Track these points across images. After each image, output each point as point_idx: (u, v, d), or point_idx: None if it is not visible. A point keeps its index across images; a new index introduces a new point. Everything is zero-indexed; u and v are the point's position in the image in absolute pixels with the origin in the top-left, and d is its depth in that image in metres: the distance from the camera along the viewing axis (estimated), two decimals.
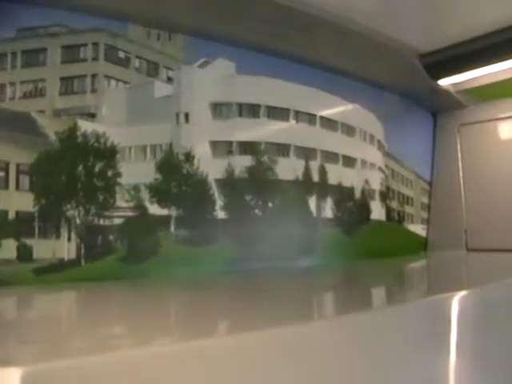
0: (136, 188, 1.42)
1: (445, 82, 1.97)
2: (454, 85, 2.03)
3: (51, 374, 0.46)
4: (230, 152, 1.61)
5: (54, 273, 1.28)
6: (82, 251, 1.32)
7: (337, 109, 1.94)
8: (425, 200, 2.29)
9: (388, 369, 0.72)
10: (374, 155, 2.08)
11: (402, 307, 0.93)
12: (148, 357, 0.52)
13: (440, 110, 2.25)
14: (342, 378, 0.66)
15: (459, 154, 2.17)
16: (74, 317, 0.93)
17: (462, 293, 0.97)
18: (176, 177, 1.49)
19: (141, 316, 0.78)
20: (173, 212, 1.47)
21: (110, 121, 1.42)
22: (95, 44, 1.43)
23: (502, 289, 1.10)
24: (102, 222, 1.37)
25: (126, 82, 1.49)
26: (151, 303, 0.95)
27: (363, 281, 1.45)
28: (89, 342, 0.63)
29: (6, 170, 1.27)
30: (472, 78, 1.92)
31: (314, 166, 1.82)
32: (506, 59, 1.73)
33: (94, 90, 1.42)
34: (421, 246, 2.22)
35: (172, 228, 1.48)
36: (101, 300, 1.06)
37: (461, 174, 2.16)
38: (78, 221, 1.33)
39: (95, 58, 1.44)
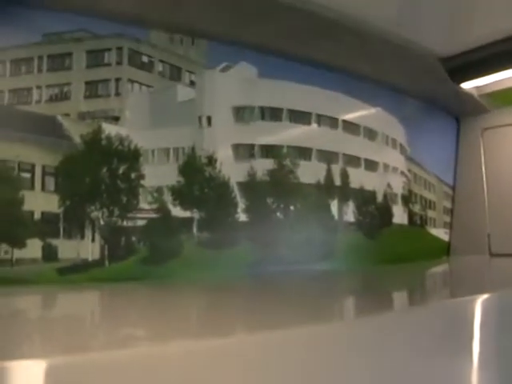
0: (159, 190, 1.43)
1: (468, 86, 1.96)
2: (477, 88, 2.02)
3: (73, 367, 0.47)
4: (252, 155, 1.62)
5: (77, 273, 1.30)
6: (106, 252, 1.34)
7: (359, 113, 1.94)
8: (447, 204, 2.28)
9: (409, 371, 0.71)
10: (396, 159, 2.07)
11: (423, 309, 0.92)
12: (165, 354, 0.53)
13: (463, 115, 2.24)
14: (363, 379, 0.65)
15: (482, 159, 2.16)
16: (95, 316, 0.94)
17: (485, 296, 0.96)
18: (198, 179, 1.50)
19: (161, 317, 0.79)
20: (195, 214, 1.49)
21: (134, 124, 1.44)
22: (119, 49, 1.46)
23: None
24: (125, 223, 1.38)
25: (149, 86, 1.51)
26: (171, 304, 0.96)
27: (384, 284, 1.44)
28: (109, 340, 0.64)
29: (32, 171, 1.30)
30: (495, 82, 1.90)
31: (336, 169, 1.82)
32: None
33: (117, 94, 1.45)
34: (443, 250, 2.20)
35: (194, 230, 1.49)
36: (123, 300, 1.06)
37: (484, 179, 2.14)
38: (101, 222, 1.34)
39: (119, 63, 1.46)
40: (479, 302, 0.95)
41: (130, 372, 0.49)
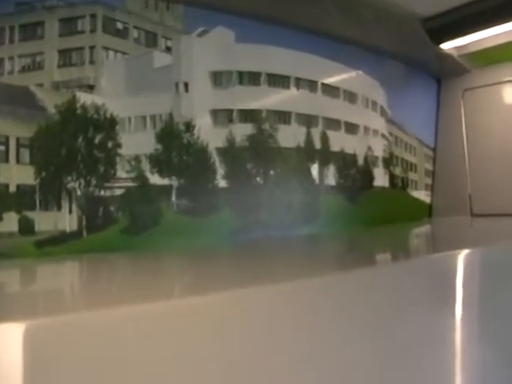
0: (136, 159, 1.41)
1: (448, 46, 1.93)
2: (457, 48, 1.99)
3: (52, 328, 0.47)
4: (230, 120, 1.60)
5: (55, 245, 1.28)
6: (84, 223, 1.32)
7: (338, 76, 1.92)
8: (429, 166, 2.27)
9: (392, 326, 0.73)
10: (377, 122, 2.06)
11: (405, 264, 0.93)
12: (146, 313, 0.53)
13: (443, 76, 2.22)
14: (345, 334, 0.67)
15: (463, 120, 2.14)
16: (74, 284, 0.93)
17: (467, 251, 0.96)
18: (176, 147, 1.48)
19: (141, 282, 0.78)
20: (174, 182, 1.47)
21: (109, 92, 1.40)
22: (93, 16, 1.41)
23: (507, 248, 1.09)
24: (102, 193, 1.36)
25: (124, 53, 1.47)
26: (152, 271, 0.95)
27: (366, 244, 1.44)
28: (87, 302, 0.64)
29: (6, 143, 1.27)
30: (475, 41, 1.88)
31: (316, 133, 1.80)
32: (509, 21, 1.69)
33: (92, 62, 1.41)
34: (425, 212, 2.21)
35: (173, 198, 1.47)
36: (102, 269, 1.06)
37: (465, 140, 2.13)
38: (78, 192, 1.32)
39: (93, 30, 1.42)
40: (461, 257, 0.95)
41: (110, 331, 0.50)
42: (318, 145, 1.80)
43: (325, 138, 1.81)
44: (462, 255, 0.95)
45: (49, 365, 0.46)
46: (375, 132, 2.04)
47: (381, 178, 2.05)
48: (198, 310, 0.56)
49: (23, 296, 0.72)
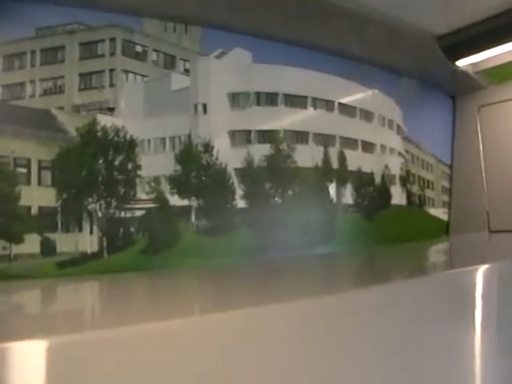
0: (156, 180, 1.41)
1: (463, 63, 1.92)
2: (473, 65, 1.98)
3: (73, 345, 0.47)
4: (248, 141, 1.60)
5: (76, 266, 1.29)
6: (104, 244, 1.33)
7: (355, 95, 1.91)
8: (445, 183, 2.25)
9: (411, 342, 0.73)
10: (394, 140, 2.05)
11: (424, 280, 0.92)
12: (166, 331, 0.53)
13: (459, 93, 2.20)
14: (365, 349, 0.66)
15: (479, 136, 2.13)
16: (95, 303, 0.93)
17: (485, 266, 0.95)
18: (195, 168, 1.48)
19: (160, 299, 0.78)
20: (193, 203, 1.47)
21: (129, 114, 1.42)
22: (112, 39, 1.43)
23: None
24: (123, 214, 1.37)
25: (143, 76, 1.48)
26: (171, 289, 0.96)
27: (384, 262, 1.43)
28: (109, 320, 0.64)
29: (28, 166, 1.28)
30: (490, 58, 1.87)
31: (333, 152, 1.79)
32: None
33: (112, 85, 1.42)
34: (442, 229, 2.18)
35: (192, 218, 1.47)
36: (122, 288, 1.06)
37: (481, 156, 2.11)
38: (99, 214, 1.33)
39: (113, 53, 1.43)
40: (480, 273, 0.94)
41: (131, 349, 0.50)
42: (335, 164, 1.79)
43: (342, 158, 1.80)
44: (481, 271, 0.94)
45: (70, 383, 0.46)
46: (392, 150, 2.03)
47: (398, 196, 2.03)
48: (217, 326, 0.56)
49: (44, 314, 0.72)
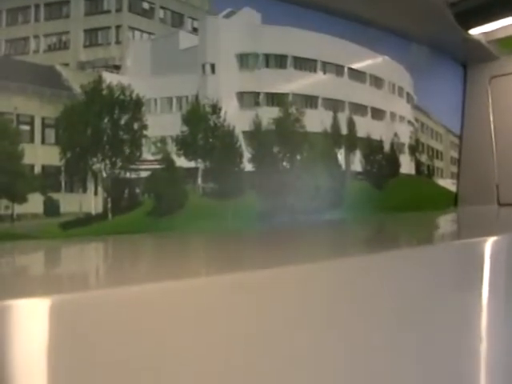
0: (162, 140, 1.38)
1: (475, 32, 1.88)
2: (485, 34, 1.94)
3: (77, 304, 0.46)
4: (257, 103, 1.57)
5: (80, 227, 1.25)
6: (109, 205, 1.30)
7: (365, 60, 1.88)
8: (455, 154, 2.22)
9: (417, 311, 0.72)
10: (403, 108, 2.02)
11: (431, 249, 0.90)
12: (170, 291, 0.52)
13: (470, 62, 2.17)
14: (371, 317, 0.66)
15: (490, 107, 2.09)
16: (99, 262, 0.91)
17: (494, 238, 0.93)
18: (202, 129, 1.45)
19: (165, 260, 0.76)
20: (199, 164, 1.44)
21: (135, 73, 1.38)
22: None
23: None
24: (128, 175, 1.34)
25: (150, 33, 1.44)
26: (176, 251, 0.94)
27: (392, 230, 1.41)
28: (113, 279, 0.62)
29: (32, 123, 1.24)
30: (504, 27, 1.83)
31: (343, 118, 1.76)
32: None
33: (118, 42, 1.38)
34: (451, 200, 2.16)
35: (199, 181, 1.44)
36: (126, 249, 1.04)
37: (492, 128, 2.08)
38: (104, 174, 1.30)
39: (119, 9, 1.39)
40: (488, 244, 0.92)
41: (135, 308, 0.48)
42: (344, 130, 1.76)
43: (351, 124, 1.77)
44: (489, 242, 0.92)
45: (75, 341, 0.44)
46: (401, 118, 2.00)
47: (407, 165, 2.01)
48: (222, 288, 0.54)
49: (47, 275, 0.70)
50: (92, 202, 1.29)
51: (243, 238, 1.18)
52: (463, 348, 0.79)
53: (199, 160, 1.44)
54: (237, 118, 1.50)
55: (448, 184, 2.19)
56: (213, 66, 1.49)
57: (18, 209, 1.19)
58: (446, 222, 1.71)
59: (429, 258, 0.83)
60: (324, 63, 1.74)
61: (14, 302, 0.43)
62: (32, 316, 0.43)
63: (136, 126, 1.35)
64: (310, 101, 1.68)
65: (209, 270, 0.69)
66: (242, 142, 1.51)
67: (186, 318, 0.51)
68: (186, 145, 1.41)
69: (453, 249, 0.92)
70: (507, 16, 1.75)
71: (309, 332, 0.59)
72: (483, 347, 0.80)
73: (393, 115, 1.95)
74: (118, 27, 1.39)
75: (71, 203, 1.26)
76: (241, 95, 1.54)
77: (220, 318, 0.53)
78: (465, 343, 0.80)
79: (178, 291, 0.52)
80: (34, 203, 1.21)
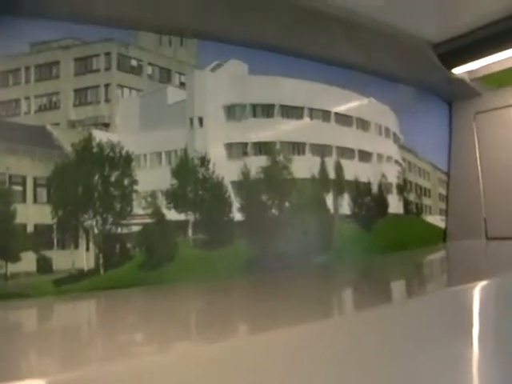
0: (153, 195, 1.39)
1: (459, 71, 1.90)
2: (469, 72, 1.96)
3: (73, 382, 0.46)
4: (245, 153, 1.58)
5: (73, 283, 1.26)
6: (101, 260, 1.31)
7: (351, 104, 1.89)
8: (442, 191, 2.22)
9: (410, 360, 0.71)
10: (390, 148, 2.02)
11: (422, 299, 0.91)
12: (167, 362, 0.52)
13: (455, 99, 2.18)
14: (364, 370, 0.65)
15: (476, 143, 2.10)
16: (92, 327, 0.91)
17: (483, 283, 0.94)
18: (192, 181, 1.46)
19: (159, 323, 0.76)
20: (190, 217, 1.45)
21: (125, 129, 1.40)
22: (107, 54, 1.41)
23: None
24: (119, 230, 1.35)
25: (139, 90, 1.46)
26: (169, 309, 0.93)
27: (382, 275, 1.41)
28: (108, 351, 0.62)
29: (24, 183, 1.25)
30: (486, 65, 1.84)
31: (330, 162, 1.77)
32: None
33: (107, 100, 1.40)
34: (440, 236, 2.16)
35: (189, 233, 1.45)
36: (119, 308, 1.03)
37: (478, 163, 2.08)
38: (95, 230, 1.31)
39: (108, 68, 1.41)
40: (477, 289, 0.93)
41: (132, 382, 0.48)
42: (332, 174, 1.76)
43: (339, 168, 1.78)
44: (478, 287, 0.93)
45: None
46: (389, 159, 2.01)
47: (395, 205, 2.01)
48: (217, 357, 0.55)
49: (41, 343, 0.69)
50: (84, 258, 1.30)
51: (233, 292, 1.18)
52: None
53: (189, 212, 1.45)
54: (225, 169, 1.51)
55: (437, 220, 2.19)
56: (201, 120, 1.51)
57: (12, 267, 1.20)
58: (434, 264, 1.71)
59: (419, 308, 0.83)
60: (311, 109, 1.75)
61: None
62: None
63: (126, 181, 1.36)
64: (297, 147, 1.69)
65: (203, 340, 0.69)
66: (231, 192, 1.52)
67: None
68: (175, 198, 1.42)
69: (442, 297, 0.92)
70: (489, 55, 1.76)
71: None
72: None
73: (380, 156, 1.96)
74: (106, 85, 1.41)
75: (64, 260, 1.27)
76: (229, 146, 1.56)
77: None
78: None
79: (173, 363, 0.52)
80: (27, 261, 1.22)
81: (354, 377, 0.64)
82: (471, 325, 0.86)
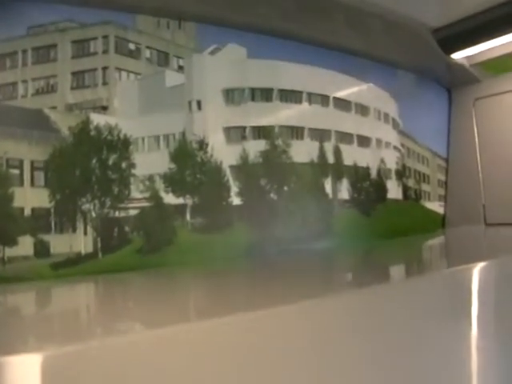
0: (150, 178, 1.38)
1: (458, 56, 1.88)
2: (468, 58, 1.94)
3: (69, 358, 0.46)
4: (243, 137, 1.56)
5: (71, 267, 1.26)
6: (99, 244, 1.30)
7: (350, 89, 1.88)
8: (441, 177, 2.21)
9: (409, 342, 0.71)
10: (389, 134, 2.01)
11: (421, 279, 0.91)
12: (164, 339, 0.52)
13: (454, 85, 2.16)
14: (363, 351, 0.64)
15: (475, 129, 2.09)
16: (90, 308, 0.90)
17: (482, 264, 0.93)
18: (190, 165, 1.45)
19: (157, 303, 0.76)
20: (188, 201, 1.44)
21: (123, 113, 1.38)
22: (105, 37, 1.39)
23: None
24: (117, 214, 1.34)
25: (137, 73, 1.45)
26: (168, 291, 0.93)
27: (381, 259, 1.40)
28: (105, 329, 0.62)
29: (21, 167, 1.24)
30: (486, 50, 1.83)
31: (329, 147, 1.75)
32: None
33: (105, 83, 1.39)
34: (438, 222, 2.15)
35: (187, 217, 1.44)
36: (117, 291, 1.03)
37: (477, 149, 2.07)
38: (93, 214, 1.30)
39: (106, 51, 1.39)
40: (476, 270, 0.92)
41: (128, 359, 0.48)
42: (331, 159, 1.75)
43: (338, 152, 1.77)
44: (478, 268, 0.92)
45: None
46: (387, 144, 1.99)
47: (394, 191, 2.00)
48: (214, 333, 0.54)
49: (39, 323, 0.69)
50: (82, 241, 1.29)
51: (231, 276, 1.17)
52: (454, 378, 0.78)
53: (187, 196, 1.43)
54: (224, 153, 1.50)
55: (435, 206, 2.18)
56: (199, 103, 1.49)
57: (9, 251, 1.19)
58: (433, 248, 1.71)
59: (418, 288, 0.83)
60: (309, 94, 1.73)
61: (6, 359, 0.43)
62: (25, 372, 0.44)
63: (124, 165, 1.35)
64: (296, 132, 1.68)
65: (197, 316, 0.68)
66: (229, 176, 1.51)
67: (177, 364, 0.50)
68: (173, 182, 1.41)
69: (442, 277, 0.92)
70: (489, 40, 1.75)
71: (299, 370, 0.58)
72: (475, 376, 0.79)
73: (379, 142, 1.95)
74: (104, 69, 1.39)
75: (61, 244, 1.26)
76: (227, 130, 1.54)
77: (212, 362, 0.52)
78: (456, 373, 0.78)
79: (167, 338, 0.51)
80: (25, 245, 1.21)
81: (352, 356, 0.63)
82: (471, 305, 0.86)
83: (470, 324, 0.83)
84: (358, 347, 0.64)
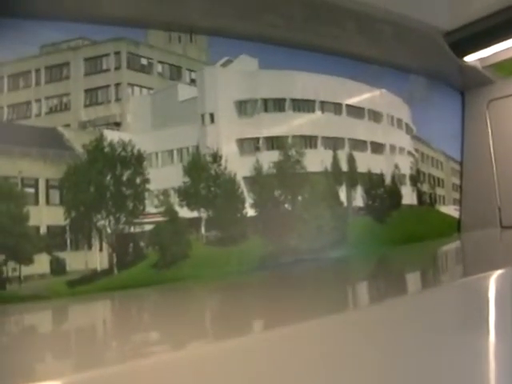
0: (165, 193, 1.37)
1: (471, 59, 1.85)
2: (481, 60, 1.90)
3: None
4: (257, 148, 1.55)
5: (87, 284, 1.25)
6: (114, 260, 1.29)
7: (363, 96, 1.85)
8: (456, 181, 2.18)
9: (427, 352, 0.70)
10: (403, 139, 1.98)
11: (437, 290, 0.89)
12: (183, 360, 0.51)
13: (467, 87, 2.13)
14: (381, 361, 0.65)
15: (489, 131, 2.05)
16: (108, 328, 0.89)
17: (499, 271, 0.91)
18: (204, 178, 1.44)
19: (175, 321, 0.74)
20: (202, 214, 1.43)
21: (136, 128, 1.37)
22: (117, 53, 1.39)
23: None
24: (132, 229, 1.33)
25: (149, 88, 1.44)
26: (184, 308, 0.91)
27: (397, 268, 1.38)
28: (124, 351, 0.61)
29: (36, 186, 1.24)
30: (498, 52, 1.79)
31: (342, 155, 1.73)
32: None
33: (118, 99, 1.38)
34: (454, 227, 2.12)
35: (202, 230, 1.43)
36: (134, 308, 1.02)
37: (492, 151, 2.04)
38: (108, 230, 1.29)
39: (118, 67, 1.39)
40: (493, 279, 0.90)
41: (148, 381, 0.47)
42: (344, 167, 1.73)
43: (351, 160, 1.74)
44: (495, 276, 0.90)
45: None
46: (401, 150, 1.96)
47: (409, 196, 1.97)
48: (235, 352, 0.54)
49: (58, 345, 0.68)
50: (97, 258, 1.28)
51: (247, 289, 1.15)
52: None
53: (202, 209, 1.42)
54: (237, 165, 1.49)
55: (451, 210, 2.14)
56: (212, 116, 1.48)
57: (25, 270, 1.19)
58: (449, 255, 1.68)
59: (435, 299, 0.81)
60: (322, 102, 1.71)
61: None
62: None
63: (138, 180, 1.34)
64: (309, 141, 1.66)
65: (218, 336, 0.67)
66: (243, 188, 1.49)
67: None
68: (188, 195, 1.40)
69: (458, 287, 0.90)
70: (500, 42, 1.72)
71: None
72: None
73: (392, 147, 1.92)
74: (117, 85, 1.38)
75: (77, 261, 1.25)
76: (241, 142, 1.53)
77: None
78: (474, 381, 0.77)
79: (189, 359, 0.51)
80: (41, 264, 1.21)
81: (370, 369, 0.63)
82: (488, 314, 0.84)
83: (488, 332, 0.82)
84: (374, 360, 0.64)
